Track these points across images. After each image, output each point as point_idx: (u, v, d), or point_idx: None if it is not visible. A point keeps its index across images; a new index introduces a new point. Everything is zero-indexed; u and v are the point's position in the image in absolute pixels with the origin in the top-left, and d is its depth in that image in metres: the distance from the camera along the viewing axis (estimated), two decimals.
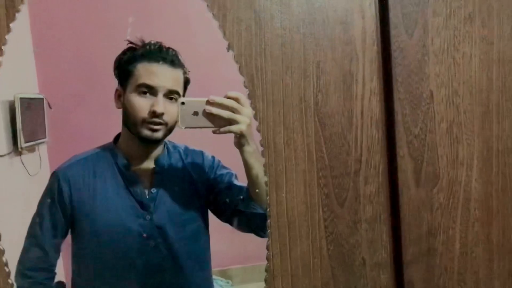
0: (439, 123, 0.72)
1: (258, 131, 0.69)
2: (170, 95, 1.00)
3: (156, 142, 1.06)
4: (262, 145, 0.70)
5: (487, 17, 0.72)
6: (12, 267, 0.67)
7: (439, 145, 0.73)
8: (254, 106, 0.69)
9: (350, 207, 0.72)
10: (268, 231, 0.70)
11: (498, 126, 0.74)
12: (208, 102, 0.87)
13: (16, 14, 0.64)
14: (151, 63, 1.01)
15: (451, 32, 0.72)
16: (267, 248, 0.71)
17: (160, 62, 1.01)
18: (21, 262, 0.98)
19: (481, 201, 0.74)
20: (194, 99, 0.90)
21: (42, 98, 1.56)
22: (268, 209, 0.70)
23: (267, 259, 0.71)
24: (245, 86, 0.68)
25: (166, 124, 1.02)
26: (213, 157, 1.14)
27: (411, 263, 0.73)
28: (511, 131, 0.74)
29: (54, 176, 1.05)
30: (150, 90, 1.00)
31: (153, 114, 0.99)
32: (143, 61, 1.01)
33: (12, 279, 0.66)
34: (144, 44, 1.04)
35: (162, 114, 0.99)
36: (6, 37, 0.64)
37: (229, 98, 0.87)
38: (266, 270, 0.71)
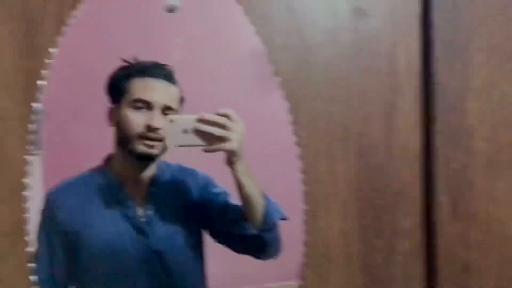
0: (479, 159, 0.72)
1: (300, 158, 0.69)
2: (166, 111, 0.97)
3: (152, 159, 1.03)
4: (302, 173, 0.69)
5: None
6: None
7: (478, 181, 0.72)
8: (297, 133, 0.69)
9: (387, 240, 0.71)
10: (304, 260, 0.69)
11: None
12: (198, 120, 0.86)
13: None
14: (147, 79, 0.98)
15: (493, 69, 0.72)
16: (302, 278, 0.69)
17: (156, 78, 0.98)
18: None
19: None
20: (184, 117, 0.87)
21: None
22: (306, 238, 0.69)
23: None
24: (290, 113, 0.68)
25: (162, 139, 1.00)
26: (206, 176, 1.10)
27: None
28: None
29: (46, 201, 1.00)
30: (146, 105, 0.97)
31: (149, 128, 0.96)
32: (139, 76, 0.98)
33: None
34: (139, 62, 1.02)
35: (159, 129, 0.97)
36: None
37: (220, 115, 0.86)
38: None
